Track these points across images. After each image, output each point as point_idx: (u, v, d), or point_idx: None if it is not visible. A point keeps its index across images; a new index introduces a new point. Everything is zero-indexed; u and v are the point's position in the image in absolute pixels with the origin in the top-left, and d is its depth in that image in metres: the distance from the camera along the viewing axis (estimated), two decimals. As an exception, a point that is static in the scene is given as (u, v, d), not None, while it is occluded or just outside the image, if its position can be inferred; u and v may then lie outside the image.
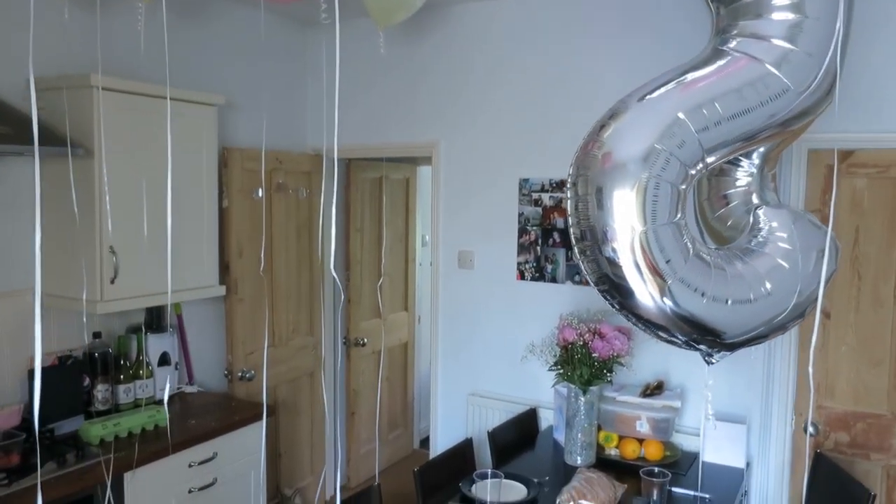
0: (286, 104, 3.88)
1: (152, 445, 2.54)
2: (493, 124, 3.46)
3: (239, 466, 2.88)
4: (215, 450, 2.74)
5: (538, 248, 3.38)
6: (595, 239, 1.49)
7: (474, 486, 2.47)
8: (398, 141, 3.73)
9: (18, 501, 2.08)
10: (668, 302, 1.46)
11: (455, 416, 3.65)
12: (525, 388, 3.42)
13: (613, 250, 1.45)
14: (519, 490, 2.50)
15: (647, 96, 1.54)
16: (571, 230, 1.58)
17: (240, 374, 3.44)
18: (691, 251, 1.49)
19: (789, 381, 2.89)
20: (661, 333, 1.55)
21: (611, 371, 2.73)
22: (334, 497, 4.11)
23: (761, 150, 1.94)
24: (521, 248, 3.42)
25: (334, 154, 2.07)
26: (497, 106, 3.44)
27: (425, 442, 4.94)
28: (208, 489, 2.72)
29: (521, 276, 3.43)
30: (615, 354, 2.70)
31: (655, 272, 1.44)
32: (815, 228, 1.61)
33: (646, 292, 1.46)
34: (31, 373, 2.63)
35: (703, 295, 1.47)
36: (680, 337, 1.52)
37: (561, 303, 3.28)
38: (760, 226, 1.64)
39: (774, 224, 1.62)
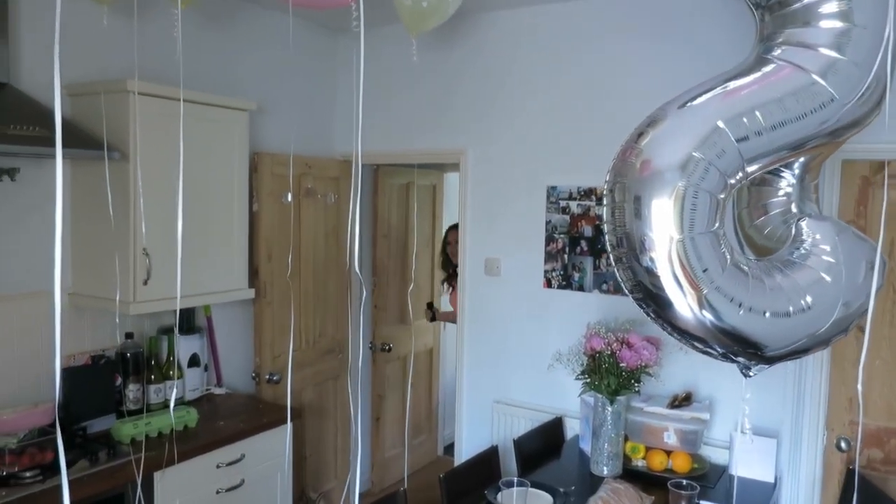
0: (316, 110, 3.92)
1: (182, 446, 2.57)
2: (521, 132, 3.46)
3: (266, 468, 2.90)
4: (243, 451, 2.77)
5: (565, 256, 3.37)
6: (632, 247, 1.48)
7: (500, 494, 2.46)
8: (426, 148, 3.74)
9: (52, 498, 2.12)
10: (708, 314, 1.44)
11: (480, 424, 3.64)
12: (551, 396, 3.41)
13: (651, 260, 1.44)
14: (544, 499, 2.49)
15: (689, 104, 1.53)
16: (607, 237, 1.57)
17: (267, 376, 3.46)
18: (729, 261, 1.48)
19: (821, 396, 2.84)
20: (697, 344, 1.53)
21: (638, 381, 2.71)
22: (360, 502, 4.12)
23: (802, 160, 1.92)
24: (549, 256, 3.41)
25: (358, 156, 2.07)
26: (525, 113, 3.44)
27: (449, 448, 4.94)
28: (236, 490, 2.74)
29: (548, 284, 3.42)
30: (643, 364, 2.67)
31: (692, 282, 1.43)
32: (859, 241, 1.59)
33: (684, 303, 1.44)
34: (65, 371, 2.68)
35: (739, 306, 1.45)
36: (717, 349, 1.50)
37: (588, 311, 3.26)
38: (803, 238, 1.62)
39: (818, 236, 1.60)
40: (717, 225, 1.47)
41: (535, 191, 3.42)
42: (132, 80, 2.52)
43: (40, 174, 2.62)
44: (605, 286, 3.27)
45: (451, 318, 4.24)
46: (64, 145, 2.23)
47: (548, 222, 3.40)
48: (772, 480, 2.77)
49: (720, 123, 1.46)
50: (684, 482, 2.38)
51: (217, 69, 3.27)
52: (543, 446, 3.10)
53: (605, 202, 1.59)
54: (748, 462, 2.78)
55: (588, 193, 3.29)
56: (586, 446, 3.01)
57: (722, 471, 2.84)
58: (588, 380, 2.74)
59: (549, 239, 3.40)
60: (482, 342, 3.64)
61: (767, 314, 1.46)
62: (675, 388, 3.04)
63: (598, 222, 3.27)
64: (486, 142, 3.56)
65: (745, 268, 1.48)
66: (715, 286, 1.43)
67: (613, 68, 3.19)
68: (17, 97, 2.33)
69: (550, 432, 3.22)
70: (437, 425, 5.02)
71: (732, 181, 1.49)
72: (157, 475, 2.43)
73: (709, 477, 2.74)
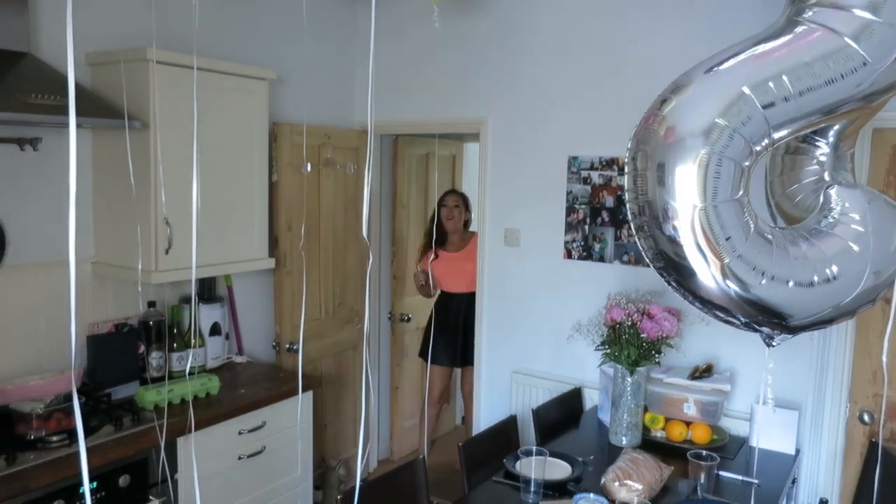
0: (335, 80, 3.89)
1: (204, 412, 2.61)
2: (542, 101, 3.41)
3: (286, 435, 2.94)
4: (264, 418, 2.80)
5: (586, 226, 3.33)
6: (654, 216, 1.45)
7: (518, 462, 2.47)
8: (446, 117, 3.70)
9: (78, 461, 2.16)
10: (731, 283, 1.42)
11: (498, 394, 3.65)
12: (570, 367, 3.40)
13: (674, 229, 1.42)
14: (563, 468, 2.50)
15: (715, 68, 1.49)
16: (628, 205, 1.54)
17: (287, 345, 3.50)
18: (753, 229, 1.44)
19: (844, 368, 2.81)
20: (719, 314, 1.51)
21: (659, 352, 2.70)
22: (377, 470, 4.18)
23: (837, 127, 1.87)
24: (569, 227, 3.38)
25: (371, 122, 2.05)
26: (547, 83, 3.39)
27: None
28: (257, 456, 2.79)
29: (569, 255, 3.40)
30: (664, 335, 2.66)
31: (715, 250, 1.40)
32: (891, 210, 1.54)
33: (707, 272, 1.42)
34: (89, 339, 2.72)
35: (762, 275, 1.42)
36: (740, 318, 1.48)
37: (608, 282, 3.24)
38: (832, 206, 1.58)
39: (847, 204, 1.56)
40: (740, 193, 1.44)
41: (556, 161, 3.38)
42: (151, 49, 2.51)
43: (62, 144, 2.63)
44: (625, 257, 3.24)
45: (426, 289, 4.17)
46: (84, 114, 2.24)
47: (569, 193, 3.36)
48: (792, 452, 2.75)
49: (746, 89, 1.42)
50: (704, 453, 2.38)
51: (236, 39, 3.25)
52: (562, 416, 3.10)
53: (626, 169, 1.56)
54: (769, 433, 2.77)
55: (610, 163, 3.24)
56: (605, 417, 3.01)
57: (742, 442, 2.83)
58: (608, 350, 2.73)
59: (570, 209, 3.37)
60: (501, 313, 3.63)
61: (791, 283, 1.43)
62: (695, 360, 3.02)
63: (619, 192, 3.23)
64: (506, 111, 3.52)
65: (770, 237, 1.45)
66: (738, 255, 1.41)
67: (636, 37, 3.13)
68: (37, 66, 2.33)
69: (569, 403, 3.22)
70: (454, 395, 5.05)
71: (758, 148, 1.45)
72: (180, 440, 2.47)
73: (728, 448, 2.73)
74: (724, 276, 1.41)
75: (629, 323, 2.69)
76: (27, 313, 2.58)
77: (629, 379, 2.75)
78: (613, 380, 2.80)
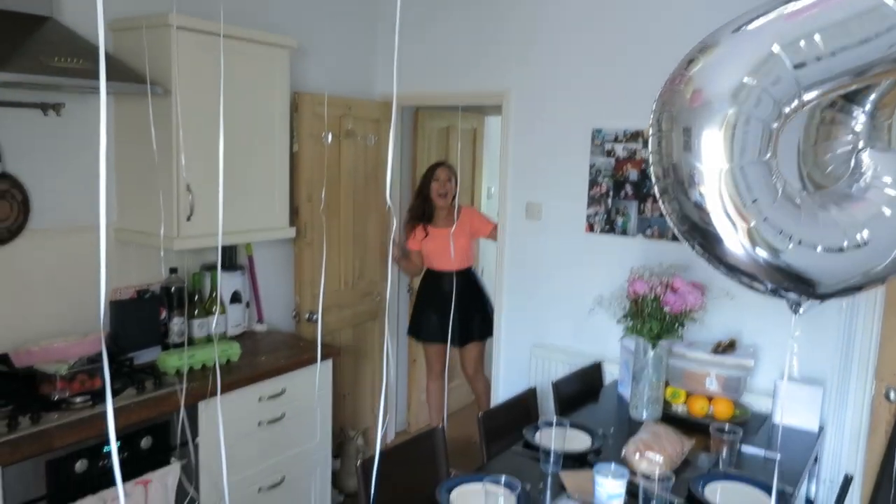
0: (356, 51, 3.86)
1: (225, 377, 2.63)
2: (566, 73, 3.35)
3: (305, 403, 2.95)
4: (284, 385, 2.82)
5: (609, 200, 3.29)
6: (679, 180, 1.42)
7: (538, 433, 2.46)
8: (468, 89, 3.66)
9: (102, 422, 2.19)
10: (757, 248, 1.38)
11: (517, 368, 3.64)
12: (590, 341, 3.38)
13: (701, 195, 1.38)
14: (583, 440, 2.48)
15: (744, 27, 1.44)
16: (652, 168, 1.51)
17: (307, 315, 3.51)
18: (780, 193, 1.40)
19: (871, 344, 2.76)
20: (745, 280, 1.48)
21: (682, 326, 2.66)
22: (394, 441, 4.20)
23: (873, 96, 1.81)
24: (592, 200, 3.34)
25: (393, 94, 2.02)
26: (571, 54, 3.33)
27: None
28: (277, 423, 2.81)
29: (591, 229, 3.36)
30: (687, 309, 2.62)
31: (741, 213, 1.36)
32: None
33: (734, 237, 1.38)
34: (112, 304, 2.74)
35: (790, 239, 1.38)
36: (767, 284, 1.45)
37: (631, 256, 3.20)
38: (863, 170, 1.53)
39: (879, 168, 1.51)
40: (768, 155, 1.39)
41: (579, 133, 3.34)
42: (173, 15, 2.50)
43: (85, 109, 2.64)
44: (649, 231, 3.20)
45: (414, 268, 4.04)
46: (107, 79, 2.23)
47: (592, 165, 3.32)
48: (816, 429, 2.71)
49: (776, 49, 1.37)
50: (726, 426, 2.35)
51: (258, 6, 3.22)
52: (581, 390, 3.09)
53: (650, 131, 1.52)
54: (792, 409, 2.73)
55: (634, 136, 3.19)
56: (625, 391, 2.99)
57: (764, 419, 2.80)
58: (630, 324, 2.70)
59: (593, 183, 3.32)
60: (521, 287, 3.61)
61: (820, 249, 1.39)
62: (718, 336, 2.98)
63: (644, 165, 3.18)
64: (530, 83, 3.47)
65: (798, 201, 1.41)
66: (764, 217, 1.37)
67: (662, 6, 3.05)
68: (60, 31, 2.33)
69: (589, 377, 3.20)
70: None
71: (787, 110, 1.41)
72: (201, 405, 2.49)
73: (750, 424, 2.70)
74: (752, 241, 1.38)
75: (652, 296, 2.65)
76: (50, 278, 2.60)
77: (651, 353, 2.72)
78: (635, 353, 2.78)
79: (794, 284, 1.44)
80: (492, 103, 3.64)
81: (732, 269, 1.44)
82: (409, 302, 4.26)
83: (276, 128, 3.00)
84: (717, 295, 2.78)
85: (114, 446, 0.90)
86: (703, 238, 1.42)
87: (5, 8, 2.21)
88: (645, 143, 3.16)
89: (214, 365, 2.68)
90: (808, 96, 1.47)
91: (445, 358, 3.99)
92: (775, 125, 1.46)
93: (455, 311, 3.90)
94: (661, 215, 3.13)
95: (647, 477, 2.03)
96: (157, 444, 2.36)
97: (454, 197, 3.95)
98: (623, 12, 3.17)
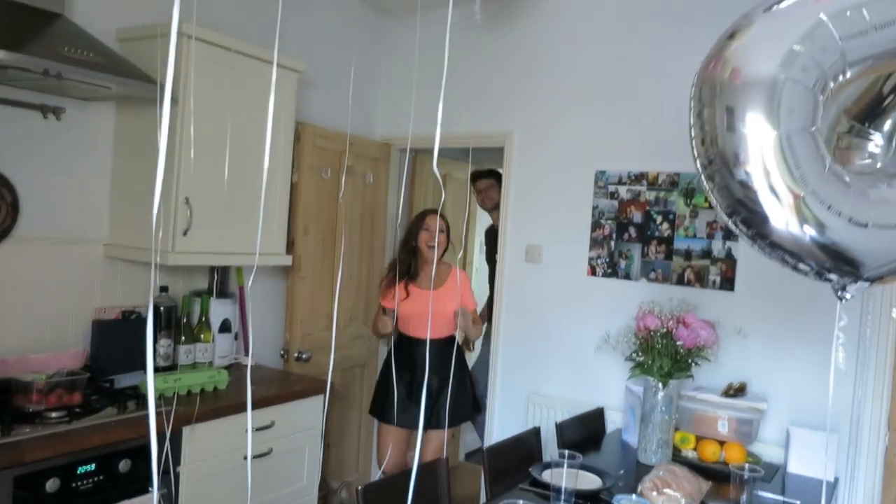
0: (359, 89, 3.86)
1: (212, 404, 2.45)
2: (569, 115, 3.37)
3: (295, 440, 2.76)
4: (273, 418, 2.64)
5: (612, 242, 3.25)
6: (725, 162, 1.37)
7: (546, 471, 2.31)
8: (469, 130, 3.65)
9: (77, 439, 2.00)
10: (806, 226, 1.32)
11: (514, 417, 3.49)
12: (591, 389, 3.26)
13: (746, 174, 1.33)
14: (593, 480, 2.34)
15: (775, 7, 1.42)
16: (698, 160, 1.45)
17: (296, 354, 3.35)
18: (827, 166, 1.35)
19: (884, 393, 2.68)
20: (789, 260, 1.40)
21: (695, 363, 2.57)
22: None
23: (892, 119, 1.80)
24: (594, 243, 3.30)
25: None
26: (574, 96, 3.36)
27: (471, 455, 4.76)
28: (264, 458, 2.61)
29: (593, 272, 3.30)
30: (701, 345, 2.54)
31: (786, 185, 1.31)
32: None
33: (780, 213, 1.32)
34: (95, 324, 2.58)
35: (838, 215, 1.32)
36: (811, 265, 1.37)
37: (634, 301, 3.11)
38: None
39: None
40: (814, 127, 1.35)
41: (582, 175, 3.32)
42: (188, 24, 2.46)
43: (86, 116, 2.56)
44: (652, 274, 3.14)
45: (385, 328, 3.19)
46: (118, 72, 2.16)
47: (594, 207, 3.29)
48: (831, 478, 2.60)
49: (823, 16, 1.34)
50: (747, 466, 2.22)
51: (266, 28, 3.20)
52: (584, 436, 2.94)
53: (691, 118, 1.48)
54: (806, 458, 2.62)
55: (639, 178, 3.18)
56: (630, 438, 2.86)
57: (776, 469, 2.67)
58: (641, 359, 2.60)
59: (596, 225, 3.29)
60: (519, 332, 3.50)
61: (869, 226, 1.32)
62: (726, 381, 2.88)
63: (648, 207, 3.16)
64: (532, 125, 3.48)
65: (847, 178, 1.35)
66: (811, 190, 1.31)
67: (666, 51, 3.11)
68: (71, 28, 2.27)
69: (591, 422, 3.06)
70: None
71: (832, 85, 1.37)
72: (185, 430, 2.31)
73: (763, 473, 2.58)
74: (799, 215, 1.31)
75: (663, 331, 2.57)
76: (33, 289, 2.44)
77: (661, 393, 2.61)
78: (644, 394, 2.66)
79: (838, 264, 1.37)
80: (494, 145, 3.62)
81: (776, 247, 1.37)
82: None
83: (280, 152, 2.93)
84: (728, 332, 2.71)
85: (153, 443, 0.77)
86: (753, 221, 1.36)
87: (19, 0, 2.15)
88: (650, 185, 3.15)
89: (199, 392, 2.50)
90: (850, 72, 1.43)
91: (406, 448, 3.28)
92: (822, 97, 1.41)
93: (433, 389, 3.13)
94: (666, 257, 3.09)
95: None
96: (136, 468, 2.16)
97: (445, 251, 3.30)
98: (628, 58, 3.22)
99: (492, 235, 4.17)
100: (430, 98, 3.78)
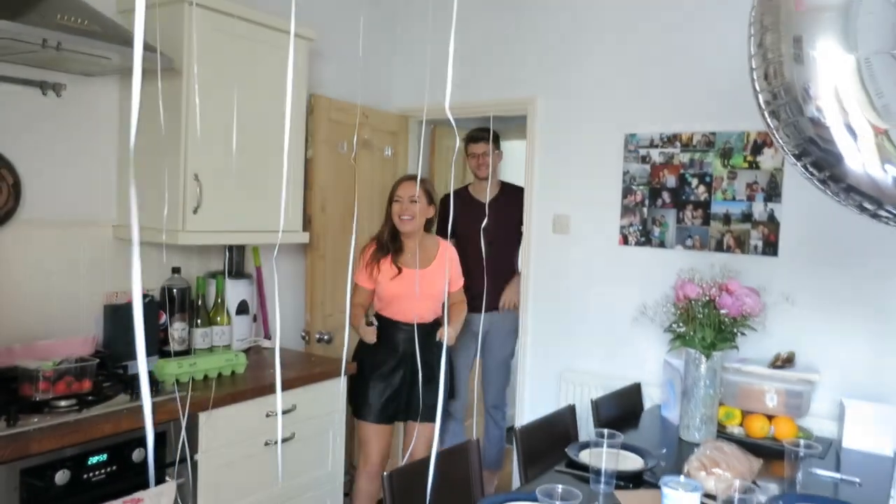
0: (375, 59, 3.70)
1: (230, 389, 2.34)
2: (595, 76, 3.19)
3: (318, 423, 2.65)
4: (294, 401, 2.52)
5: (644, 209, 3.07)
6: (793, 96, 1.20)
7: (584, 451, 2.17)
8: (490, 98, 3.48)
9: (87, 429, 1.90)
10: (888, 166, 1.15)
11: (545, 396, 3.34)
12: (626, 364, 3.10)
13: (818, 109, 1.16)
14: (633, 460, 2.19)
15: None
16: (760, 95, 1.29)
17: (318, 335, 3.23)
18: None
19: (946, 360, 2.49)
20: (867, 206, 1.23)
21: (740, 333, 2.40)
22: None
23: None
24: (625, 210, 3.12)
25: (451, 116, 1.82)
26: (600, 56, 3.17)
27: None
28: (286, 444, 2.50)
29: (625, 241, 3.13)
30: (746, 313, 2.36)
31: (867, 119, 1.14)
32: None
33: (857, 156, 1.15)
34: (107, 308, 2.48)
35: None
36: (891, 210, 1.21)
37: (669, 270, 2.93)
38: None
39: None
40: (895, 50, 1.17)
41: (611, 139, 3.14)
42: (188, -12, 2.32)
43: (87, 92, 2.44)
44: (689, 241, 2.96)
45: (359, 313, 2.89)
46: (117, 41, 2.03)
47: (625, 173, 3.11)
48: (890, 454, 2.42)
49: None
50: (801, 442, 2.06)
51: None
52: (621, 413, 2.79)
53: (750, 48, 1.31)
54: (863, 432, 2.44)
55: (672, 140, 2.99)
56: (670, 414, 2.70)
57: (829, 444, 2.50)
58: (682, 330, 2.43)
59: (627, 191, 3.11)
60: (548, 307, 3.35)
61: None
62: (772, 352, 2.71)
63: (682, 170, 2.97)
64: (556, 88, 3.30)
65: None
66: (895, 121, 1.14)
67: (700, 5, 2.91)
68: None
69: (628, 399, 2.91)
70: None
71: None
72: (202, 416, 2.20)
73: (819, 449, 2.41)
74: (881, 154, 1.14)
75: (705, 299, 2.40)
76: (40, 274, 2.35)
77: (704, 365, 2.44)
78: (685, 367, 2.50)
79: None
80: (517, 112, 3.45)
81: (851, 190, 1.21)
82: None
83: (292, 125, 2.79)
84: (776, 300, 2.54)
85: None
86: (826, 162, 1.19)
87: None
88: (683, 147, 2.97)
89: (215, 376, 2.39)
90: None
91: (390, 442, 2.97)
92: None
93: (422, 379, 2.87)
94: (703, 223, 2.91)
95: (711, 497, 1.74)
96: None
97: (429, 222, 2.96)
98: (658, 14, 3.02)
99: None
100: (445, 62, 3.62)
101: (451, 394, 3.25)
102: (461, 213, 3.40)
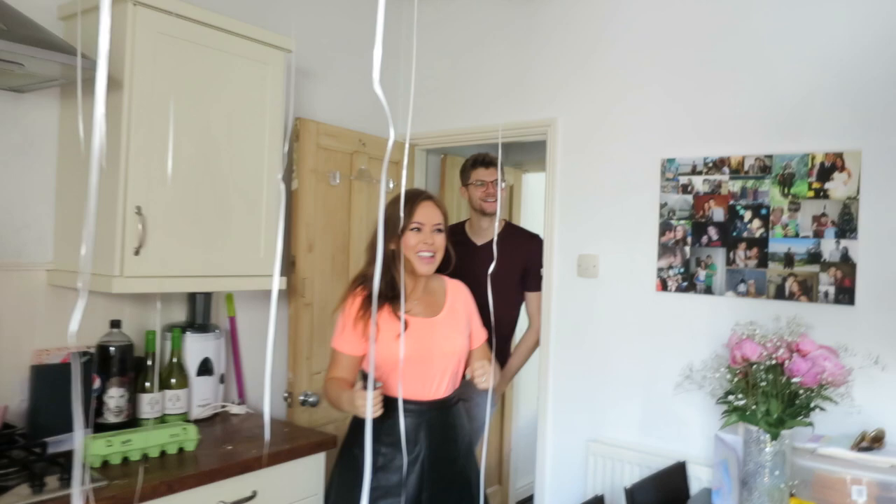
0: (371, 80, 3.30)
1: (175, 472, 1.88)
2: (626, 94, 2.73)
3: (286, 513, 2.17)
4: (254, 487, 2.05)
5: (687, 248, 2.57)
6: None
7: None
8: (506, 121, 3.04)
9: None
10: None
11: (569, 470, 2.82)
12: (667, 435, 2.57)
13: None
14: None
15: None
16: None
17: (302, 397, 2.77)
18: None
19: None
20: None
21: (820, 408, 1.87)
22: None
23: None
24: (664, 249, 2.62)
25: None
26: (631, 71, 2.71)
27: (525, 503, 4.11)
28: (241, 543, 2.02)
29: (663, 286, 2.62)
30: (827, 382, 1.84)
31: None
32: None
33: None
34: (34, 369, 2.05)
35: None
36: None
37: (719, 322, 2.44)
38: None
39: None
40: None
41: (645, 166, 2.67)
42: (131, -12, 1.94)
43: (18, 111, 2.06)
44: (742, 286, 2.45)
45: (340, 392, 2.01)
46: (39, 44, 1.63)
47: (663, 205, 2.62)
48: None
49: None
50: (913, 562, 1.52)
51: (261, 7, 2.68)
52: (661, 501, 2.26)
53: None
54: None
55: (718, 165, 2.51)
56: (724, 503, 2.16)
57: (933, 548, 1.94)
58: (741, 401, 1.91)
59: (665, 227, 2.62)
60: (573, 364, 2.84)
61: None
62: (856, 429, 2.16)
63: (731, 201, 2.48)
64: (581, 109, 2.85)
65: None
66: None
67: (745, 13, 2.45)
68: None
69: (670, 482, 2.38)
70: (508, 476, 4.18)
71: None
72: (130, 513, 1.73)
73: (921, 556, 1.85)
74: None
75: (770, 363, 1.88)
76: (-52, 328, 1.93)
77: (768, 447, 1.92)
78: (745, 448, 1.98)
79: None
80: (535, 136, 3.00)
81: None
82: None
83: (265, 150, 2.37)
84: (860, 363, 2.00)
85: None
86: None
87: None
88: (733, 173, 2.48)
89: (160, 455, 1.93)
90: None
91: None
92: None
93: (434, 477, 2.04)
94: (759, 265, 2.41)
95: None
96: (52, 571, 1.59)
97: (445, 261, 2.15)
98: (699, 20, 2.57)
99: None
100: (459, 88, 3.21)
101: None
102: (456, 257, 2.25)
